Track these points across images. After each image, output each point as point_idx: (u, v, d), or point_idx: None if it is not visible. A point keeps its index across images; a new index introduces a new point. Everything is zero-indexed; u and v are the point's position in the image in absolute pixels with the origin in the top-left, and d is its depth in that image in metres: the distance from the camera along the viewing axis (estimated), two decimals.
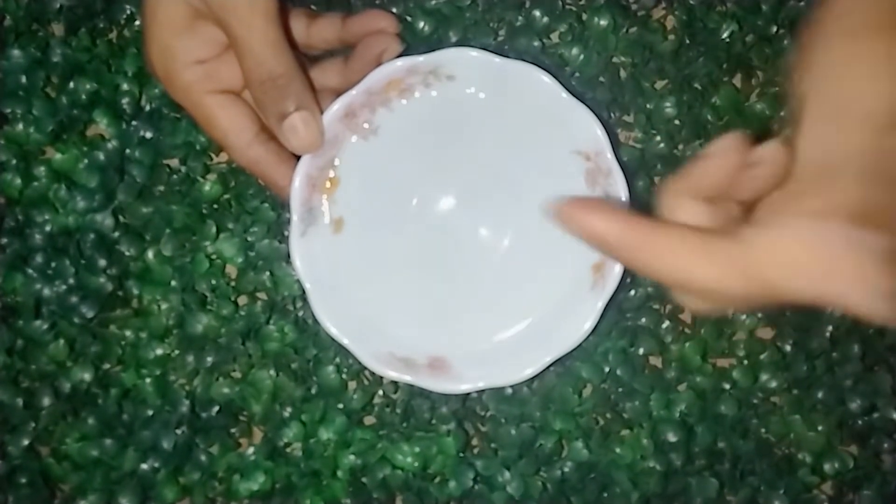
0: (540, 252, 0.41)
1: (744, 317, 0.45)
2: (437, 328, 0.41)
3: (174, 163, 0.45)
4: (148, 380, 0.45)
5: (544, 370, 0.39)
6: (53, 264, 0.44)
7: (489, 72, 0.38)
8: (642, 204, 0.45)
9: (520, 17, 0.45)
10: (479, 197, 0.42)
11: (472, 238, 0.42)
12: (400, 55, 0.39)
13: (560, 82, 0.38)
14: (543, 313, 0.40)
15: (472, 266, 0.42)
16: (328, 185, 0.40)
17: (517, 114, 0.40)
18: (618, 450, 0.45)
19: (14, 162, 0.45)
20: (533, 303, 0.41)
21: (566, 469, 0.45)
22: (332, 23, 0.40)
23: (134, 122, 0.45)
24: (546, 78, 0.38)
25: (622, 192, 0.38)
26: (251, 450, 0.45)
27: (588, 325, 0.39)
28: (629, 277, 0.44)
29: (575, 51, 0.45)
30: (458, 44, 0.44)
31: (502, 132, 0.40)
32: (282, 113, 0.37)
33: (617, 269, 0.38)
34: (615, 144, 0.39)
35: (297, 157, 0.39)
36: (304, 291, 0.45)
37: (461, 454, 0.45)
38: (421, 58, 0.38)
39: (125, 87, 0.45)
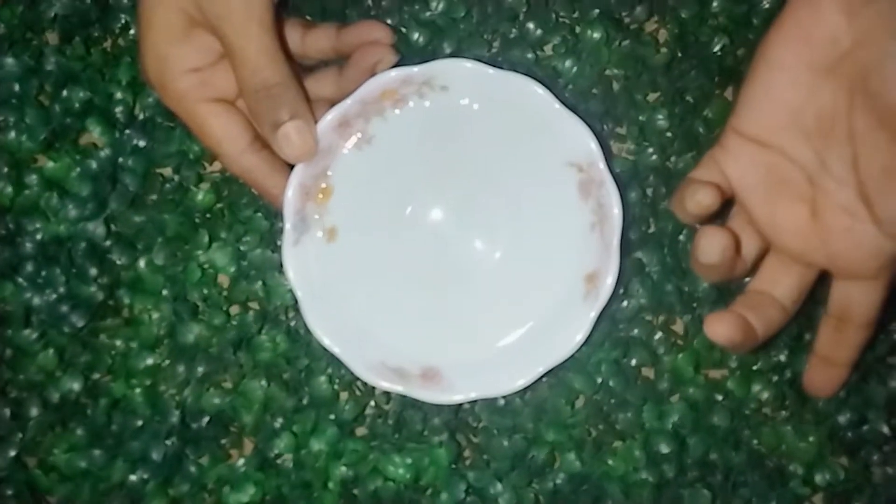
0: (533, 262, 0.41)
1: None
2: (430, 338, 0.41)
3: (167, 172, 0.45)
4: (138, 390, 0.44)
5: (537, 381, 0.39)
6: (44, 273, 0.44)
7: (483, 83, 0.38)
8: (634, 215, 0.45)
9: (514, 30, 0.45)
10: (472, 207, 0.42)
11: (465, 248, 0.42)
12: (394, 66, 0.39)
13: (553, 94, 0.38)
14: (536, 323, 0.41)
15: (464, 276, 0.42)
16: (321, 194, 0.40)
17: (510, 124, 0.40)
18: (610, 461, 0.44)
19: (6, 170, 0.44)
20: (526, 313, 0.41)
21: (558, 481, 0.44)
22: (327, 33, 0.41)
23: (127, 131, 0.45)
24: (539, 89, 0.38)
25: (615, 203, 0.38)
26: (241, 461, 0.44)
27: (581, 336, 0.39)
28: (622, 288, 0.44)
29: (568, 63, 0.45)
30: (453, 55, 0.45)
31: (495, 143, 0.41)
32: (276, 122, 0.37)
33: (610, 280, 0.38)
34: (608, 156, 0.39)
35: (291, 166, 0.39)
36: (296, 301, 0.44)
37: (453, 466, 0.44)
38: (415, 68, 0.38)
39: (119, 95, 0.45)
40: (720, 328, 0.35)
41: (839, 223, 0.34)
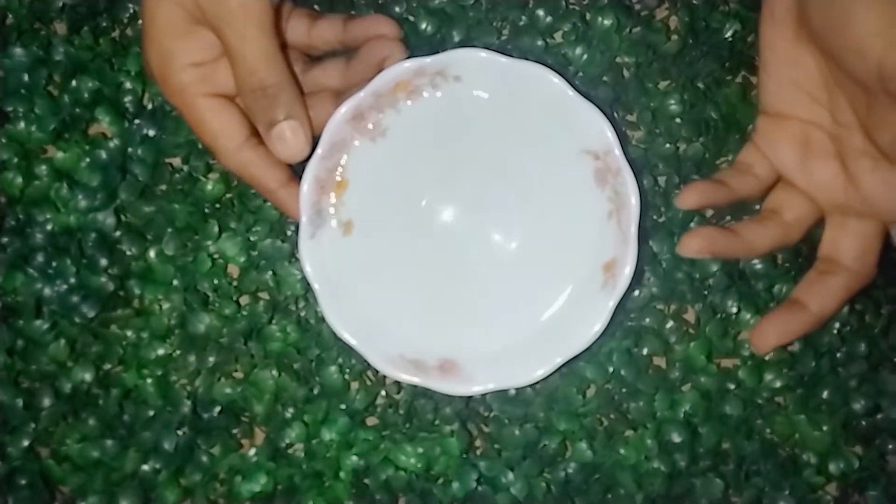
0: (549, 252, 0.41)
1: (748, 316, 0.45)
2: (447, 330, 0.40)
3: (176, 161, 0.45)
4: (149, 380, 0.44)
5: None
6: (54, 264, 0.44)
7: (497, 72, 0.38)
8: (647, 203, 0.45)
9: (523, 17, 0.45)
10: (487, 197, 0.41)
11: (482, 239, 0.42)
12: (406, 56, 0.39)
13: (567, 82, 0.38)
14: (554, 314, 0.40)
15: (481, 267, 0.41)
16: (337, 187, 0.40)
17: (525, 114, 0.39)
18: (622, 451, 0.44)
19: (15, 160, 0.44)
20: (543, 303, 0.40)
21: (570, 470, 0.44)
22: (333, 25, 0.40)
23: (136, 121, 0.45)
24: (555, 78, 0.38)
25: (632, 191, 0.38)
26: (253, 451, 0.44)
27: (599, 326, 0.39)
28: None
29: (578, 50, 0.45)
30: (462, 43, 0.44)
31: (510, 132, 0.40)
32: (271, 121, 0.37)
33: (628, 269, 0.38)
34: (623, 143, 0.39)
35: (289, 164, 0.39)
36: (306, 291, 0.45)
37: (464, 455, 0.44)
38: (428, 59, 0.38)
39: (128, 85, 0.45)
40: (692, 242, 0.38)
41: (863, 166, 0.37)
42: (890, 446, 0.45)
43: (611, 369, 0.44)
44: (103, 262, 0.44)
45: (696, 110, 0.45)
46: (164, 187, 0.45)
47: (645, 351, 0.45)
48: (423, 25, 0.44)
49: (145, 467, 0.44)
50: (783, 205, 0.39)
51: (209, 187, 0.45)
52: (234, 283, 0.45)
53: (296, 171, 0.39)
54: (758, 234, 0.39)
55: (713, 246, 0.38)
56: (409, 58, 0.38)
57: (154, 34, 0.37)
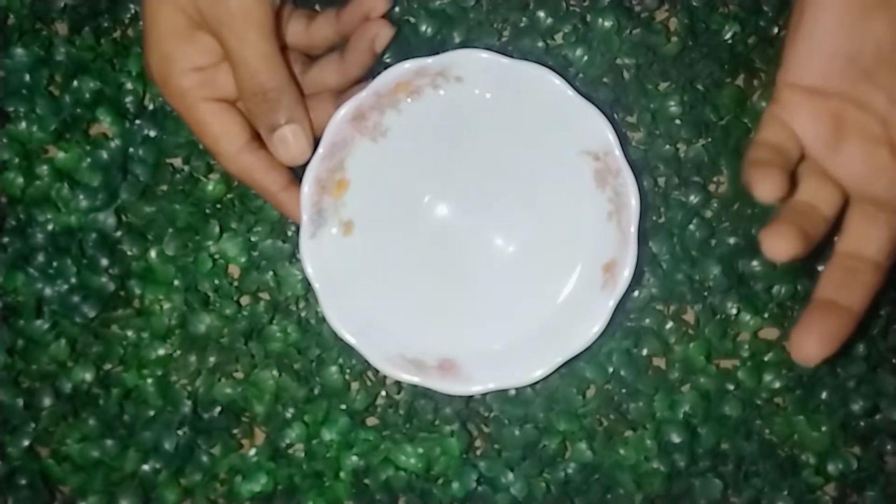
0: (549, 252, 0.41)
1: (748, 317, 0.45)
2: (447, 329, 0.41)
3: (177, 162, 0.45)
4: (149, 380, 0.44)
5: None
6: (55, 264, 0.44)
7: (498, 73, 0.38)
8: (647, 204, 0.45)
9: (524, 18, 0.45)
10: (487, 197, 0.42)
11: (482, 239, 0.42)
12: (406, 57, 0.39)
13: (568, 83, 0.38)
14: (554, 314, 0.40)
15: (481, 267, 0.42)
16: (337, 187, 0.40)
17: (525, 115, 0.40)
18: (621, 451, 0.44)
19: (16, 160, 0.44)
20: (543, 303, 0.41)
21: (570, 470, 0.44)
22: (328, 19, 0.41)
23: (137, 121, 0.45)
24: (555, 79, 0.38)
25: (632, 191, 0.38)
26: (253, 451, 0.44)
27: (599, 326, 0.39)
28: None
29: (579, 52, 0.45)
30: (462, 45, 0.44)
31: (510, 133, 0.40)
32: (272, 125, 0.37)
33: (627, 270, 0.38)
34: (623, 144, 0.39)
35: (290, 167, 0.39)
36: (307, 291, 0.45)
37: (464, 455, 0.44)
38: (429, 59, 0.38)
39: (129, 85, 0.45)
40: (778, 243, 0.31)
41: None
42: (888, 447, 0.45)
43: (610, 370, 0.45)
44: (104, 262, 0.44)
45: (696, 112, 0.45)
46: (164, 187, 0.45)
47: (644, 351, 0.45)
48: (424, 27, 0.44)
49: (145, 467, 0.44)
50: (817, 199, 0.34)
51: (210, 187, 0.45)
52: (235, 284, 0.45)
53: (296, 172, 0.39)
54: (816, 230, 0.33)
55: (802, 247, 0.32)
56: (409, 58, 0.38)
57: (155, 38, 0.37)
